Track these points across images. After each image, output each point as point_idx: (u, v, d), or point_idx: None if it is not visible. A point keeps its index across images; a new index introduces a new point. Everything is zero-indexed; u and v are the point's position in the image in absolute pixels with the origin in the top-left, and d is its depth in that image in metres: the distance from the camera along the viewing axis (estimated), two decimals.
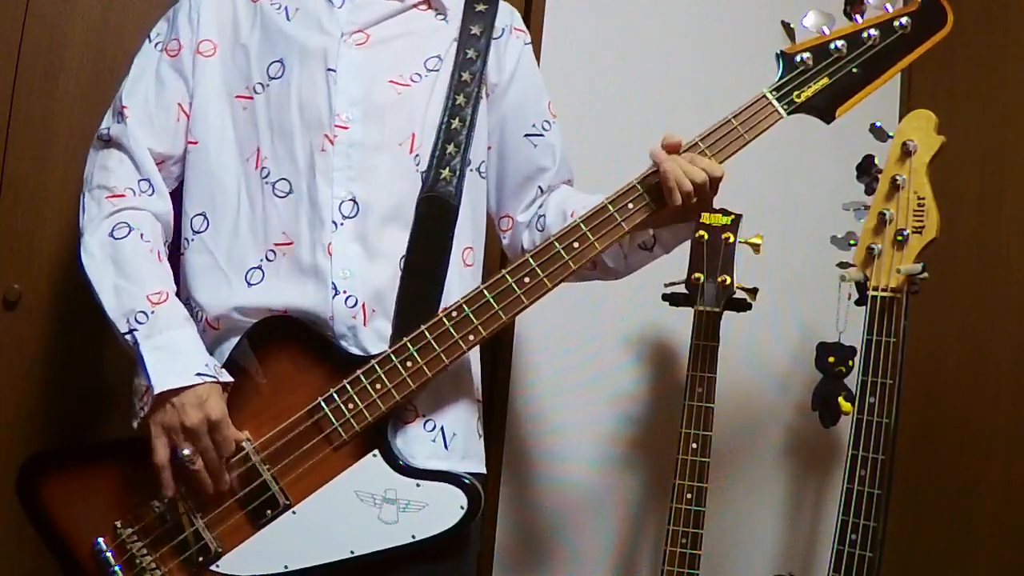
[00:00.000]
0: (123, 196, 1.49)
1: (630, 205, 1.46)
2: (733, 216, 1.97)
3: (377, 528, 1.40)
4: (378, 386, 1.41)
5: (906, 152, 1.74)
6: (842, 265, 1.83)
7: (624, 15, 2.42)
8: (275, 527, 1.40)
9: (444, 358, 1.42)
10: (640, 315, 2.35)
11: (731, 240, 1.95)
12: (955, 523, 2.36)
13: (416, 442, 1.47)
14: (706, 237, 1.96)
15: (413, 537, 1.40)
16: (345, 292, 1.44)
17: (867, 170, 1.85)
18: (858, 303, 1.83)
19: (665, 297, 2.03)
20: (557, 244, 1.45)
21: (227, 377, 1.41)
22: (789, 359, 2.48)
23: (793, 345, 2.48)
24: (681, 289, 1.99)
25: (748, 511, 2.46)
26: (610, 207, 1.46)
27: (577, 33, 2.36)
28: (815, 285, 2.27)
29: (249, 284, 1.47)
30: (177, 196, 1.56)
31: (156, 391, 1.35)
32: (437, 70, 1.57)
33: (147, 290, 1.42)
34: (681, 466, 1.89)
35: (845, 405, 2.03)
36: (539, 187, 1.69)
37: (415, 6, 1.59)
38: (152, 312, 1.40)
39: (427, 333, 1.42)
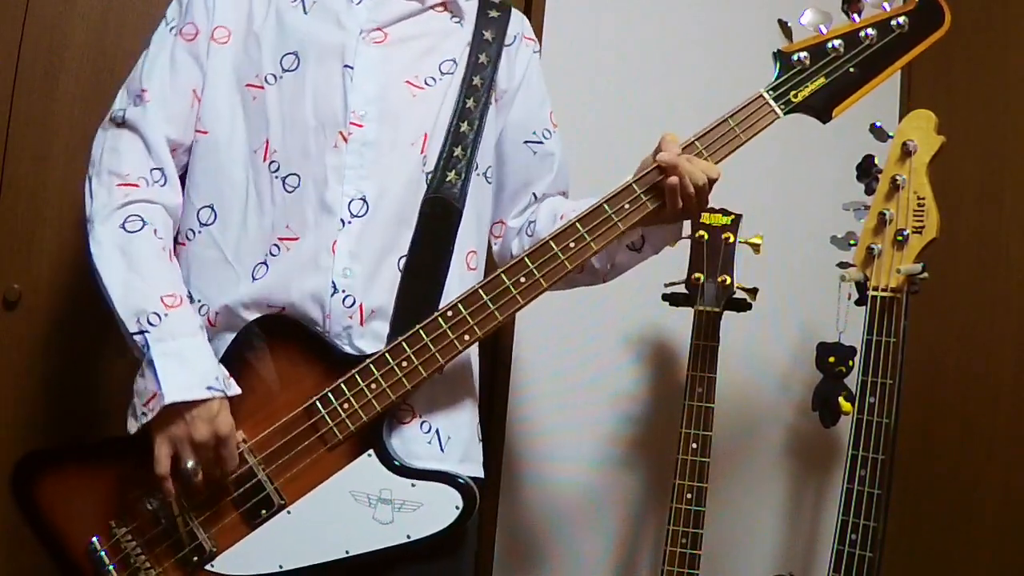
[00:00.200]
0: (135, 186, 1.45)
1: (626, 205, 1.46)
2: (733, 216, 1.97)
3: (372, 528, 1.39)
4: (373, 386, 1.40)
5: (906, 152, 1.74)
6: (842, 265, 1.83)
7: (624, 15, 2.42)
8: (270, 527, 1.39)
9: (440, 358, 1.42)
10: (640, 315, 2.35)
11: (731, 240, 1.96)
12: (955, 523, 2.36)
13: (412, 443, 1.47)
14: (706, 237, 1.96)
15: (408, 537, 1.39)
16: (344, 291, 1.44)
17: (867, 170, 1.84)
18: (858, 303, 1.82)
19: (665, 297, 2.03)
20: (553, 245, 1.44)
21: (235, 390, 1.39)
22: (789, 359, 2.48)
23: (793, 345, 2.47)
24: (681, 289, 2.00)
25: (748, 511, 2.46)
26: (607, 207, 1.45)
27: (577, 33, 2.36)
28: (815, 285, 2.27)
29: (254, 279, 1.46)
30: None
31: (166, 401, 1.32)
32: (451, 73, 1.56)
33: (161, 291, 1.39)
34: (681, 466, 1.89)
35: (845, 405, 2.03)
36: (534, 194, 1.69)
37: (432, 7, 1.59)
38: (166, 315, 1.37)
39: (423, 333, 1.42)
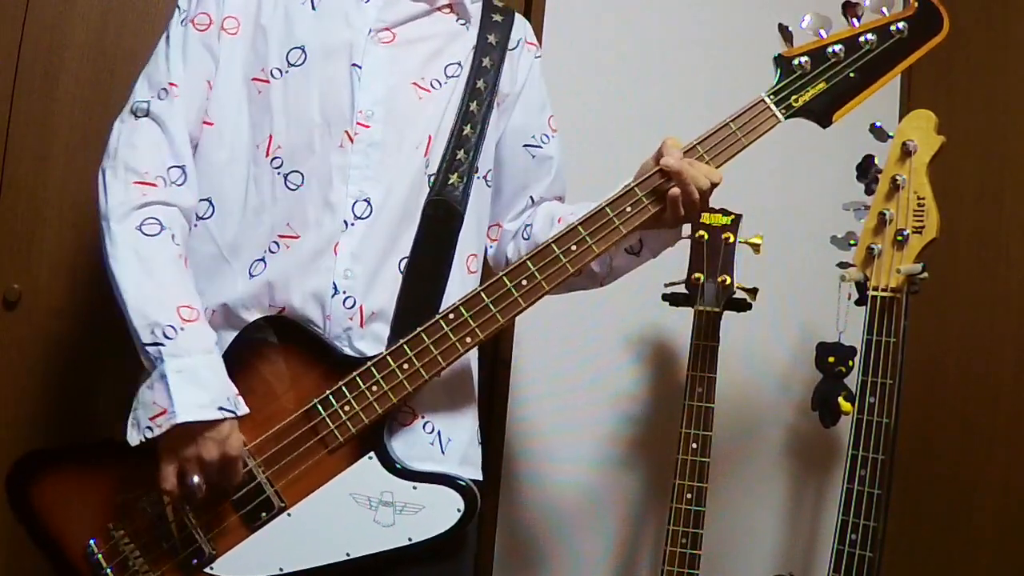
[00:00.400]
0: (153, 186, 1.41)
1: (628, 208, 1.45)
2: (733, 216, 1.97)
3: (373, 530, 1.39)
4: (374, 388, 1.40)
5: (906, 152, 1.73)
6: (842, 265, 1.83)
7: (624, 16, 2.42)
8: (270, 530, 1.39)
9: (441, 360, 1.41)
10: (640, 315, 2.35)
11: (731, 240, 1.95)
12: (955, 523, 2.36)
13: (413, 445, 1.46)
14: (706, 237, 1.96)
15: (409, 540, 1.39)
16: (345, 292, 1.43)
17: (867, 170, 1.84)
18: (858, 303, 1.82)
19: (665, 297, 2.03)
20: (555, 247, 1.44)
21: (244, 409, 1.38)
22: (789, 359, 2.48)
23: (793, 345, 2.48)
24: (681, 289, 1.99)
25: (748, 511, 2.46)
26: (608, 210, 1.45)
27: (577, 33, 2.36)
28: (815, 285, 2.26)
29: (251, 276, 1.45)
30: None
31: (178, 420, 1.31)
32: (456, 76, 1.56)
33: (178, 301, 1.37)
34: (681, 466, 1.89)
35: (845, 405, 2.03)
36: (531, 197, 1.69)
37: (439, 8, 1.58)
38: (182, 329, 1.35)
39: (424, 336, 1.41)
